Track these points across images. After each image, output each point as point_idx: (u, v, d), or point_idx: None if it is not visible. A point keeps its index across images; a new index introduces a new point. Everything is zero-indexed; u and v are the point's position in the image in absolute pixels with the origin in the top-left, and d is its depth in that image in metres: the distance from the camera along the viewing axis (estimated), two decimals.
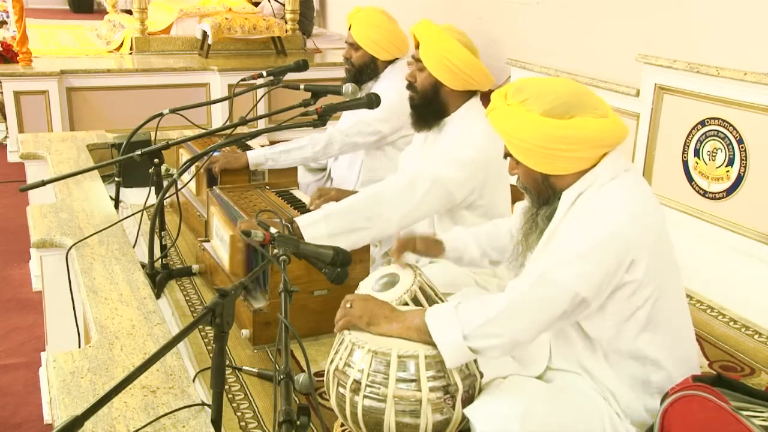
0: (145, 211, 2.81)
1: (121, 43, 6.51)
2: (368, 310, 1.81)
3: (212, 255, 2.83)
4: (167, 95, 5.53)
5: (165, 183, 2.67)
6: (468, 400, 1.72)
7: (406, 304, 1.90)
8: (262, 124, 5.21)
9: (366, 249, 2.58)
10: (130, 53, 6.35)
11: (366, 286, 2.02)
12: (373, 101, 2.70)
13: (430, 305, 1.87)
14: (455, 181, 2.44)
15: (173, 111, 2.97)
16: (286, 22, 6.74)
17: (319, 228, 2.32)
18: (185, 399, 1.64)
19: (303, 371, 1.44)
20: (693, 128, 3.36)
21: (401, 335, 1.76)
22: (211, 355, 2.36)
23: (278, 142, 3.54)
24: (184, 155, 3.46)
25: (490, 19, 5.35)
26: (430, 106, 2.54)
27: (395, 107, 3.08)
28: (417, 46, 2.54)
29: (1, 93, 5.47)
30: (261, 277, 2.52)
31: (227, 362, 1.95)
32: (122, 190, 3.14)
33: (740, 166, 3.14)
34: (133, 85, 5.61)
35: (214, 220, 2.88)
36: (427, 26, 2.51)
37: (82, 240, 2.43)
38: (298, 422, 1.30)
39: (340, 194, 2.81)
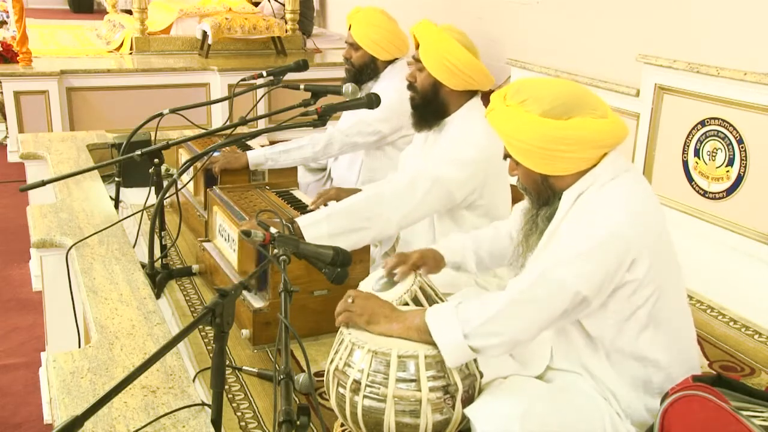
0: (145, 211, 2.80)
1: (121, 43, 6.51)
2: (369, 309, 1.81)
3: (212, 255, 2.83)
4: (167, 95, 5.53)
5: (165, 183, 2.67)
6: (468, 400, 1.72)
7: (407, 304, 1.90)
8: (262, 124, 5.21)
9: (366, 249, 2.58)
10: (130, 53, 6.35)
11: (366, 286, 2.01)
12: (373, 101, 2.70)
13: (430, 305, 1.87)
14: (456, 181, 2.44)
15: (173, 111, 2.97)
16: (286, 22, 6.74)
17: (320, 228, 2.32)
18: (185, 399, 1.64)
19: (303, 371, 1.44)
20: (693, 128, 3.36)
21: (401, 335, 1.76)
22: (211, 355, 2.36)
23: (278, 142, 3.54)
24: (184, 155, 3.46)
25: (490, 19, 5.35)
26: (430, 106, 2.54)
27: (395, 107, 3.09)
28: (417, 47, 2.54)
29: (1, 93, 5.47)
30: (261, 277, 2.52)
31: (227, 362, 1.95)
32: (122, 190, 3.14)
33: (740, 166, 3.14)
34: (133, 85, 5.61)
35: (217, 220, 2.88)
36: (426, 26, 2.51)
37: (82, 240, 2.43)
38: (298, 422, 1.30)
39: (340, 192, 2.81)
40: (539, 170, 1.76)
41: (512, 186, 2.40)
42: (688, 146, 3.40)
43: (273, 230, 1.74)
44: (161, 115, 2.93)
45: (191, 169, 3.20)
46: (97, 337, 1.89)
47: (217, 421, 1.58)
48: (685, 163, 3.42)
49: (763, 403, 1.67)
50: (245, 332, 2.51)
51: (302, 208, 2.77)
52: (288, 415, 1.30)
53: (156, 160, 2.69)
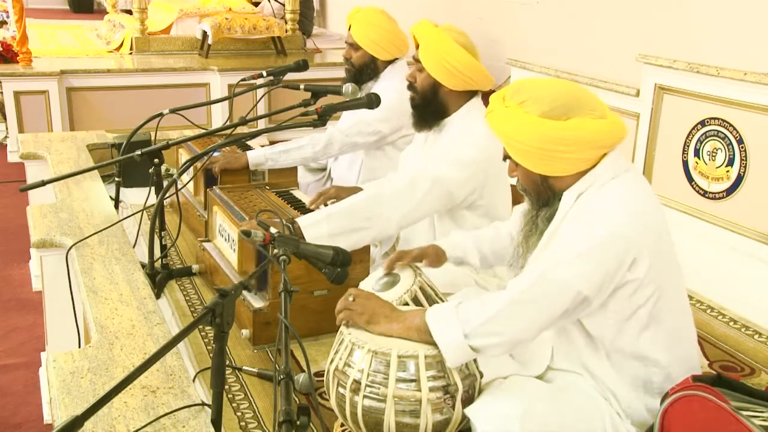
0: (145, 211, 2.80)
1: (121, 43, 6.51)
2: (369, 309, 1.81)
3: (212, 255, 2.83)
4: (167, 95, 5.53)
5: (165, 183, 2.67)
6: (468, 400, 1.72)
7: (407, 304, 1.89)
8: (262, 124, 5.21)
9: (366, 249, 2.58)
10: (130, 53, 6.35)
11: (366, 286, 2.01)
12: (373, 101, 2.70)
13: (430, 305, 1.87)
14: (456, 181, 2.44)
15: (173, 111, 2.97)
16: (286, 22, 6.74)
17: (320, 228, 2.32)
18: (185, 399, 1.64)
19: (303, 371, 1.44)
20: (693, 128, 3.36)
21: (401, 335, 1.76)
22: (211, 355, 2.36)
23: (278, 142, 3.54)
24: (184, 155, 3.46)
25: (490, 19, 5.35)
26: (429, 107, 2.54)
27: (395, 107, 3.09)
28: (417, 47, 2.54)
29: (1, 93, 5.46)
30: (261, 277, 2.52)
31: (227, 362, 1.95)
32: (122, 190, 3.14)
33: (740, 166, 3.14)
34: (133, 85, 5.61)
35: (217, 220, 2.88)
36: (426, 27, 2.51)
37: (82, 240, 2.43)
38: (298, 422, 1.30)
39: (340, 191, 2.81)
40: (539, 171, 1.76)
41: (512, 186, 2.40)
42: (688, 146, 3.40)
43: (273, 230, 1.74)
44: (161, 115, 2.93)
45: (191, 169, 3.20)
46: (97, 337, 1.89)
47: (217, 421, 1.58)
48: (685, 163, 3.42)
49: (763, 403, 1.67)
50: (245, 332, 2.51)
51: (302, 208, 2.77)
52: (288, 415, 1.30)
53: (156, 160, 2.69)
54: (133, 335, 1.90)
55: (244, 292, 2.54)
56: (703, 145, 3.32)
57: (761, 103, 3.03)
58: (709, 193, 3.30)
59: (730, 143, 3.17)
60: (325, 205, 2.78)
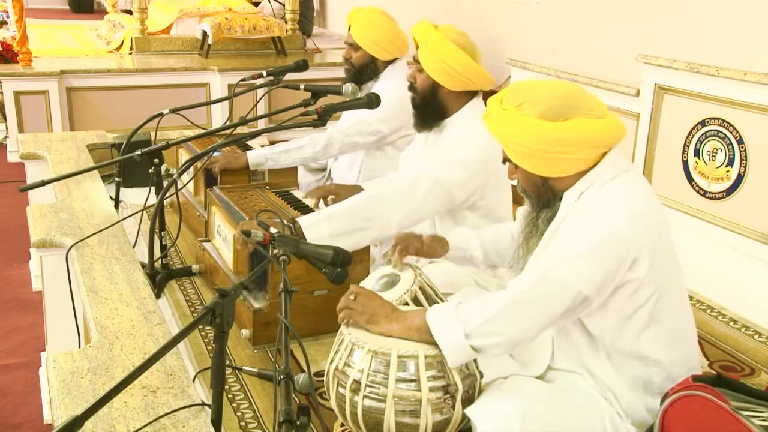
0: (145, 211, 2.80)
1: (121, 43, 6.50)
2: (370, 308, 1.81)
3: (212, 255, 2.83)
4: (167, 95, 5.53)
5: (165, 183, 2.67)
6: (468, 400, 1.72)
7: (407, 304, 1.90)
8: (262, 124, 5.21)
9: (366, 249, 2.58)
10: (130, 53, 6.35)
11: (366, 286, 2.01)
12: (373, 101, 2.70)
13: (430, 305, 1.87)
14: (456, 181, 2.44)
15: (173, 111, 2.97)
16: (286, 22, 6.74)
17: (321, 228, 2.32)
18: (185, 399, 1.64)
19: (303, 371, 1.44)
20: (693, 128, 3.36)
21: (402, 335, 1.76)
22: (211, 355, 2.36)
23: (278, 142, 3.54)
24: (184, 155, 3.46)
25: (490, 19, 5.35)
26: (430, 107, 2.54)
27: (395, 107, 3.09)
28: (417, 47, 2.55)
29: (1, 93, 5.46)
30: (261, 277, 2.52)
31: (227, 362, 1.95)
32: (122, 190, 3.14)
33: (740, 166, 3.14)
34: (133, 85, 5.61)
35: (215, 220, 2.88)
36: (425, 28, 2.51)
37: (82, 240, 2.43)
38: (298, 422, 1.30)
39: (340, 189, 2.81)
40: (538, 172, 1.76)
41: (513, 187, 2.40)
42: (688, 146, 3.40)
43: (273, 230, 1.74)
44: (161, 115, 2.93)
45: (191, 169, 3.20)
46: (97, 337, 1.89)
47: (217, 421, 1.58)
48: (685, 163, 3.42)
49: (763, 403, 1.67)
50: (245, 332, 2.51)
51: (302, 208, 2.77)
52: (288, 415, 1.30)
53: (156, 160, 2.69)
54: (133, 335, 1.90)
55: (244, 292, 2.54)
56: (703, 145, 3.32)
57: (761, 103, 3.03)
58: (709, 193, 3.30)
59: (730, 143, 3.17)
60: (325, 201, 2.78)
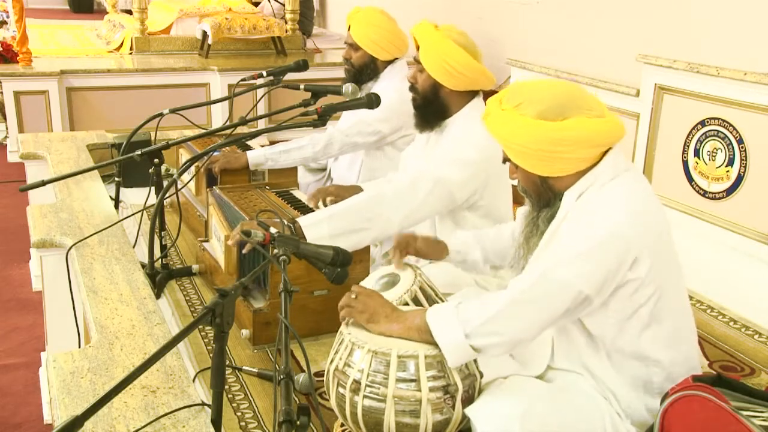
0: (145, 211, 2.81)
1: (121, 43, 6.51)
2: (370, 308, 1.81)
3: (212, 255, 2.83)
4: (167, 95, 5.53)
5: (165, 183, 2.67)
6: (468, 400, 1.72)
7: (407, 304, 1.90)
8: (262, 124, 5.21)
9: (366, 249, 2.58)
10: (130, 53, 6.35)
11: (366, 287, 2.01)
12: (373, 101, 2.70)
13: (430, 305, 1.87)
14: (457, 181, 2.44)
15: (173, 111, 2.97)
16: (286, 22, 6.74)
17: (321, 228, 2.32)
18: (185, 399, 1.64)
19: (303, 371, 1.44)
20: (693, 128, 3.36)
21: (402, 335, 1.76)
22: (211, 355, 2.36)
23: (278, 142, 3.54)
24: (184, 155, 3.46)
25: (490, 19, 5.35)
26: (431, 107, 2.54)
27: (395, 107, 3.09)
28: (417, 47, 2.54)
29: (1, 93, 5.46)
30: (261, 277, 2.52)
31: (227, 362, 1.95)
32: (122, 190, 3.14)
33: (740, 166, 3.14)
34: (133, 85, 5.61)
35: (212, 220, 2.88)
36: (426, 28, 2.51)
37: (82, 240, 2.43)
38: (298, 422, 1.30)
39: (339, 190, 2.81)
40: (538, 172, 1.76)
41: (514, 187, 2.40)
42: (688, 146, 3.40)
43: (273, 230, 1.74)
44: (161, 115, 2.94)
45: (191, 168, 3.20)
46: (97, 337, 1.89)
47: (217, 421, 1.58)
48: (685, 163, 3.42)
49: (763, 403, 1.67)
50: (245, 332, 2.51)
51: (302, 208, 2.77)
52: (288, 415, 1.30)
53: (156, 160, 2.69)
54: (133, 335, 1.90)
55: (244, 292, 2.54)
56: (703, 145, 3.32)
57: (761, 103, 3.03)
58: (709, 193, 3.30)
59: (730, 143, 3.17)
60: (324, 203, 2.78)
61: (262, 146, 3.34)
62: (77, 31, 8.29)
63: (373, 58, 3.23)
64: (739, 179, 3.15)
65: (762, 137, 3.04)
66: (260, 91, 5.18)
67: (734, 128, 3.15)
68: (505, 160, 1.82)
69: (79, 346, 2.31)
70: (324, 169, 3.65)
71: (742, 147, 3.12)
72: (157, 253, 2.79)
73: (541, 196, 1.80)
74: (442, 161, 2.46)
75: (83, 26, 8.69)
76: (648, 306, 1.71)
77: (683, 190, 3.42)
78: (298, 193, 3.03)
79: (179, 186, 3.18)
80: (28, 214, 2.67)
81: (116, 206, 2.97)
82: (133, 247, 2.56)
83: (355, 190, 2.83)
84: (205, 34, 6.28)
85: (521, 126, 1.70)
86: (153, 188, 2.75)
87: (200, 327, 2.55)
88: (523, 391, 1.72)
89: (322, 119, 2.61)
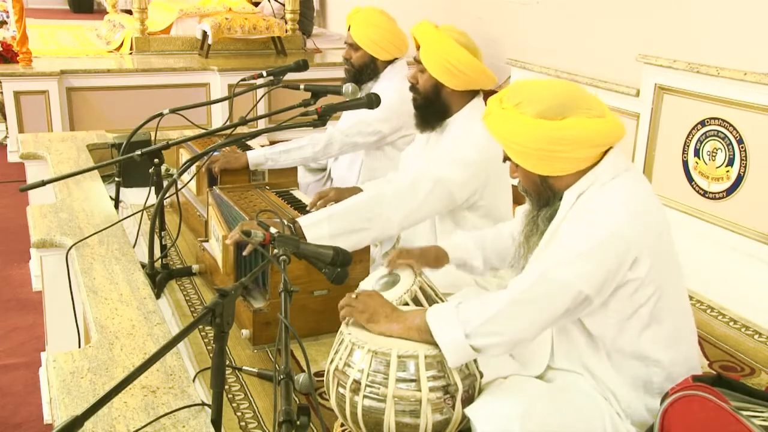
0: (145, 211, 2.81)
1: (121, 43, 6.50)
2: (371, 308, 1.81)
3: (212, 255, 2.83)
4: (167, 95, 5.53)
5: (165, 183, 2.67)
6: (468, 400, 1.72)
7: (407, 304, 1.90)
8: (262, 124, 5.21)
9: (366, 249, 2.58)
10: (130, 53, 6.35)
11: (366, 286, 2.02)
12: (373, 101, 2.70)
13: (430, 305, 1.87)
14: (457, 182, 2.44)
15: (173, 111, 2.97)
16: (286, 22, 6.74)
17: (321, 228, 2.32)
18: (185, 399, 1.64)
19: (303, 371, 1.44)
20: (693, 128, 3.36)
21: (402, 335, 1.76)
22: (211, 355, 2.36)
23: (278, 142, 3.54)
24: (184, 155, 3.46)
25: (490, 19, 5.35)
26: (432, 107, 2.54)
27: (395, 107, 3.09)
28: (418, 48, 2.54)
29: (1, 93, 5.46)
30: (261, 277, 2.52)
31: (227, 362, 1.95)
32: (122, 190, 3.14)
33: (740, 166, 3.14)
34: (133, 85, 5.61)
35: (212, 221, 2.88)
36: (426, 28, 2.51)
37: (82, 240, 2.43)
38: (298, 422, 1.30)
39: (339, 194, 2.81)
40: (538, 171, 1.76)
41: (514, 187, 2.40)
42: (688, 146, 3.40)
43: (273, 230, 1.74)
44: (161, 115, 2.94)
45: (192, 168, 3.20)
46: (97, 337, 1.89)
47: (217, 421, 1.58)
48: (685, 163, 3.42)
49: (763, 403, 1.67)
50: (245, 332, 2.51)
51: (302, 208, 2.77)
52: (288, 415, 1.30)
53: (156, 160, 2.69)
54: (133, 335, 1.90)
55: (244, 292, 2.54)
56: (703, 145, 3.32)
57: (761, 103, 3.03)
58: (709, 193, 3.30)
59: (730, 143, 3.17)
60: (324, 206, 2.78)
61: (262, 146, 3.34)
62: (77, 31, 8.29)
63: (373, 58, 3.23)
64: (739, 179, 3.15)
65: (762, 137, 3.04)
66: (260, 91, 5.18)
67: (734, 128, 3.15)
68: (506, 159, 1.82)
69: (79, 346, 2.31)
70: (324, 169, 3.65)
71: (742, 147, 3.12)
72: (157, 253, 2.79)
73: (541, 196, 1.80)
74: (442, 161, 2.46)
75: (83, 26, 8.69)
76: (648, 306, 1.71)
77: (683, 190, 3.42)
78: (298, 193, 3.03)
79: (179, 186, 3.18)
80: (28, 214, 2.67)
81: (116, 206, 2.97)
82: (133, 247, 2.56)
83: (355, 192, 2.83)
84: (205, 34, 6.28)
85: (521, 125, 1.70)
86: (153, 188, 2.75)
87: (200, 327, 2.55)
88: (523, 391, 1.72)
89: (322, 119, 2.61)
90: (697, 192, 3.36)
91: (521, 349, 1.89)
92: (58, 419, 1.60)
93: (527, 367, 1.90)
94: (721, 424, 1.55)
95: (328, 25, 8.87)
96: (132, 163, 2.58)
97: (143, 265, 2.55)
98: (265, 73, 3.25)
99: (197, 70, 5.84)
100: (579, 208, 1.73)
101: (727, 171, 3.20)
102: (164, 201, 2.76)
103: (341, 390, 1.74)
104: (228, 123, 3.29)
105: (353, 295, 1.86)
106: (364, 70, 3.26)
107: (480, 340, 1.68)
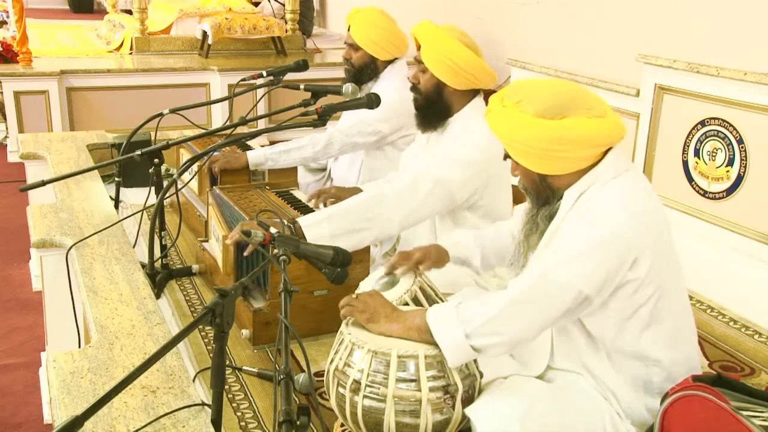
0: (145, 211, 2.81)
1: (121, 43, 6.51)
2: (371, 307, 1.81)
3: (212, 255, 2.83)
4: (167, 95, 5.53)
5: (165, 183, 2.67)
6: (468, 400, 1.72)
7: (407, 304, 1.90)
8: (262, 124, 5.21)
9: (366, 249, 2.58)
10: (130, 53, 6.35)
11: (366, 286, 2.02)
12: (373, 101, 2.70)
13: (430, 305, 1.87)
14: (457, 182, 2.44)
15: (173, 111, 2.97)
16: (286, 22, 6.74)
17: (321, 228, 2.32)
18: (185, 399, 1.64)
19: (303, 371, 1.44)
20: (693, 128, 3.36)
21: (401, 335, 1.76)
22: (211, 355, 2.36)
23: (278, 142, 3.54)
24: (184, 155, 3.46)
25: (490, 19, 5.35)
26: (434, 107, 2.54)
27: (395, 107, 3.09)
28: (418, 48, 2.54)
29: (1, 93, 5.47)
30: (261, 277, 2.52)
31: (227, 362, 1.95)
32: (122, 190, 3.14)
33: (740, 166, 3.14)
34: (133, 85, 5.61)
35: (212, 221, 2.88)
36: (427, 27, 2.51)
37: (82, 240, 2.43)
38: (298, 422, 1.30)
39: (340, 192, 2.81)
40: (538, 170, 1.76)
41: (514, 186, 2.40)
42: (688, 146, 3.40)
43: (273, 230, 1.74)
44: (161, 115, 2.94)
45: (192, 168, 3.20)
46: (97, 337, 1.89)
47: (217, 421, 1.58)
48: (685, 163, 3.42)
49: (763, 403, 1.67)
50: (245, 332, 2.51)
51: (302, 208, 2.77)
52: (288, 415, 1.30)
53: (156, 160, 2.69)
54: (133, 335, 1.90)
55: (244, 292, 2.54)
56: (703, 145, 3.32)
57: (761, 103, 3.03)
58: (709, 193, 3.30)
59: (730, 143, 3.17)
60: (325, 204, 2.78)
61: (262, 146, 3.34)
62: (77, 31, 8.29)
63: (373, 58, 3.23)
64: (739, 179, 3.15)
65: (762, 137, 3.05)
66: (260, 91, 5.18)
67: (734, 128, 3.15)
68: (506, 156, 1.82)
69: (79, 346, 2.31)
70: (324, 169, 3.65)
71: (742, 147, 3.12)
72: (157, 253, 2.79)
73: (540, 194, 1.80)
74: (443, 161, 2.46)
75: (83, 26, 8.69)
76: (648, 306, 1.71)
77: (683, 190, 3.42)
78: (298, 193, 3.03)
79: (179, 186, 3.18)
80: (28, 214, 2.67)
81: (116, 206, 2.97)
82: (133, 247, 2.56)
83: (355, 191, 2.83)
84: (205, 34, 6.29)
85: (521, 123, 1.70)
86: (153, 188, 2.75)
87: (200, 327, 2.55)
88: (523, 391, 1.72)
89: (322, 119, 2.61)
90: (697, 192, 3.36)
91: (521, 349, 1.89)
92: (58, 419, 1.60)
93: (527, 367, 1.90)
94: (721, 424, 1.55)
95: (328, 25, 8.87)
96: (132, 163, 2.58)
97: (143, 265, 2.55)
98: (265, 73, 3.25)
99: (197, 70, 5.84)
100: (579, 208, 1.73)
101: (727, 171, 3.20)
102: (164, 201, 2.75)
103: (341, 390, 1.74)
104: (228, 123, 3.29)
105: (353, 295, 1.86)
106: (364, 70, 3.26)
107: (480, 340, 1.68)
